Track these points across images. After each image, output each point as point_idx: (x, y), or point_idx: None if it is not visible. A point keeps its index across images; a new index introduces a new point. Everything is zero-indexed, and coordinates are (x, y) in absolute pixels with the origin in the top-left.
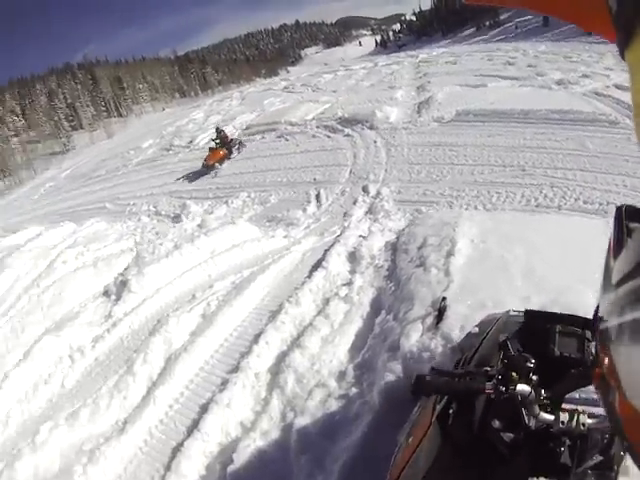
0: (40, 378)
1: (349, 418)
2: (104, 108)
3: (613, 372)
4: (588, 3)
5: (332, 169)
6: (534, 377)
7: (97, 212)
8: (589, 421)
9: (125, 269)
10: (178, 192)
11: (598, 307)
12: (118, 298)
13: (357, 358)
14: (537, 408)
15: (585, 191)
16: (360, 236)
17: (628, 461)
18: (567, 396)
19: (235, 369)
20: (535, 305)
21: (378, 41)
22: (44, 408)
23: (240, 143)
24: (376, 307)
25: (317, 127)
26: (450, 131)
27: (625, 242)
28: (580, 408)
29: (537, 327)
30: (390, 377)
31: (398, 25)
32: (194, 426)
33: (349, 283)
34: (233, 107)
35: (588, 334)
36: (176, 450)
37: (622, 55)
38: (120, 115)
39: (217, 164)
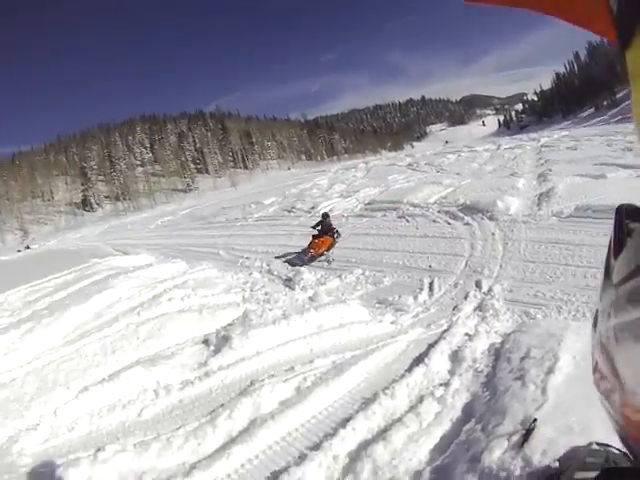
0: (119, 402)
1: None
2: (231, 158)
3: (614, 372)
4: (588, 3)
5: (448, 258)
6: None
7: (210, 257)
8: None
9: (229, 324)
10: (293, 255)
11: (598, 306)
12: (217, 351)
13: (437, 461)
14: None
15: None
16: (466, 334)
17: None
18: None
19: (316, 447)
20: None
21: (501, 121)
22: (114, 429)
23: (337, 232)
24: (467, 413)
25: (438, 212)
26: (568, 227)
27: (625, 242)
28: None
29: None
30: None
31: (520, 105)
32: None
33: (446, 384)
34: (358, 178)
35: None
36: None
37: (622, 55)
38: (246, 167)
39: (326, 252)
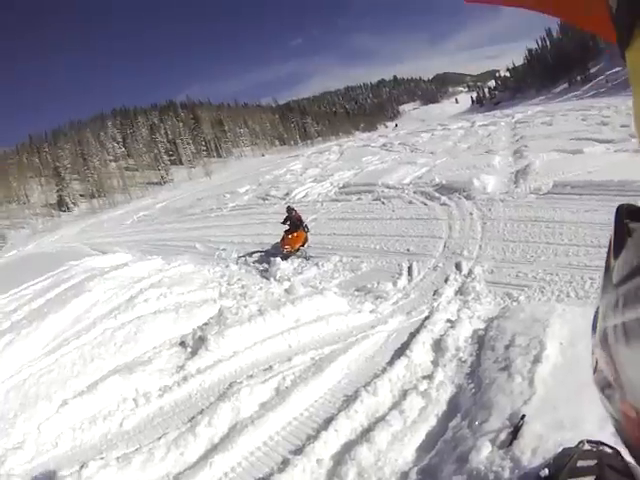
0: (100, 413)
1: None
2: (204, 147)
3: (614, 372)
4: (588, 3)
5: (427, 240)
6: None
7: (186, 251)
8: None
9: (205, 324)
10: (269, 245)
11: (598, 307)
12: (194, 353)
13: (423, 461)
14: None
15: None
16: (448, 320)
17: None
18: None
19: (299, 451)
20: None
21: (474, 98)
22: (97, 442)
23: (306, 226)
24: (453, 408)
25: (414, 192)
26: (547, 205)
27: (625, 242)
28: None
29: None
30: None
31: (493, 82)
32: None
33: (430, 376)
34: (331, 161)
35: None
36: None
37: (622, 55)
38: (219, 156)
39: (301, 247)
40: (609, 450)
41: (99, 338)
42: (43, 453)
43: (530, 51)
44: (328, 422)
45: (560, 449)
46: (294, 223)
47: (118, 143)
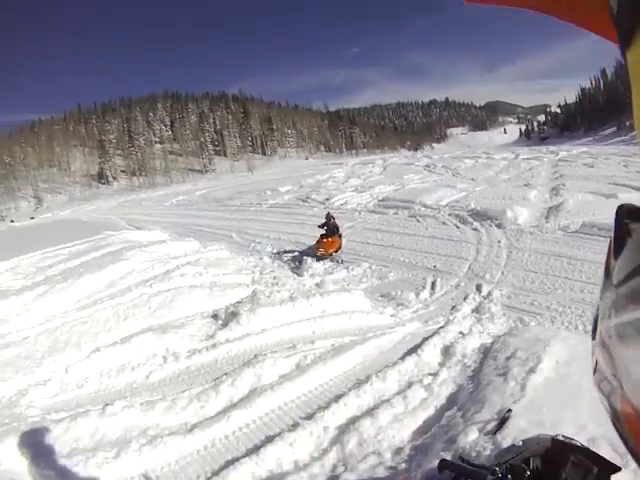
0: (129, 364)
1: None
2: (250, 142)
3: (614, 372)
4: (588, 3)
5: (453, 260)
6: None
7: (222, 239)
8: None
9: (238, 302)
10: (304, 245)
11: (598, 307)
12: (225, 325)
13: (417, 441)
14: None
15: None
16: (460, 332)
17: None
18: None
19: (309, 417)
20: (589, 433)
21: (522, 131)
22: (122, 389)
23: (341, 234)
24: (451, 401)
25: (449, 215)
26: (572, 242)
27: (625, 242)
28: None
29: (560, 453)
30: (444, 458)
31: (543, 116)
32: (254, 450)
33: (435, 374)
34: (374, 174)
35: (595, 470)
36: (230, 463)
37: (623, 55)
38: (264, 153)
39: (334, 253)
40: (579, 444)
41: (135, 301)
42: (67, 392)
43: (583, 90)
44: (339, 397)
45: (536, 435)
46: (330, 229)
47: (166, 126)
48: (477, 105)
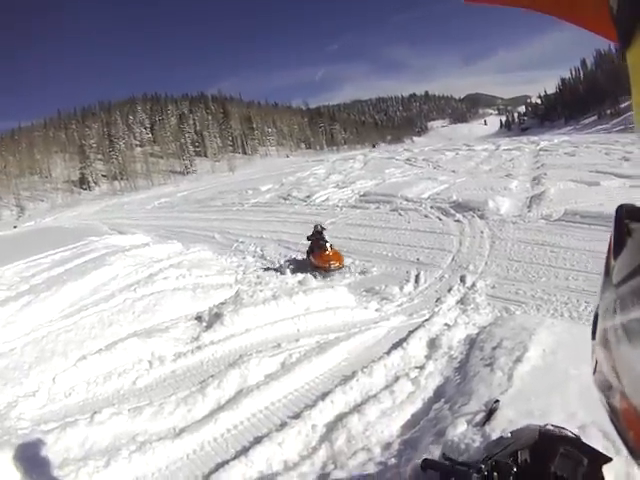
0: (115, 371)
1: None
2: (230, 143)
3: (614, 372)
4: (588, 3)
5: (436, 253)
6: None
7: (205, 240)
8: None
9: (221, 303)
10: (287, 242)
11: (598, 306)
12: (209, 327)
13: (406, 435)
14: None
15: None
16: (445, 324)
17: None
18: None
19: (296, 416)
20: (578, 421)
21: (503, 122)
22: (110, 396)
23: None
24: (438, 394)
25: (431, 207)
26: (555, 230)
27: (625, 242)
28: None
29: (549, 444)
30: (426, 457)
31: (523, 107)
32: (243, 452)
33: (421, 367)
34: (355, 169)
35: (585, 460)
36: (220, 466)
37: (623, 55)
38: (245, 152)
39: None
40: (570, 434)
41: (119, 306)
42: (56, 401)
43: (563, 80)
44: (326, 395)
45: (526, 425)
46: (317, 242)
47: (146, 129)
48: (457, 98)
